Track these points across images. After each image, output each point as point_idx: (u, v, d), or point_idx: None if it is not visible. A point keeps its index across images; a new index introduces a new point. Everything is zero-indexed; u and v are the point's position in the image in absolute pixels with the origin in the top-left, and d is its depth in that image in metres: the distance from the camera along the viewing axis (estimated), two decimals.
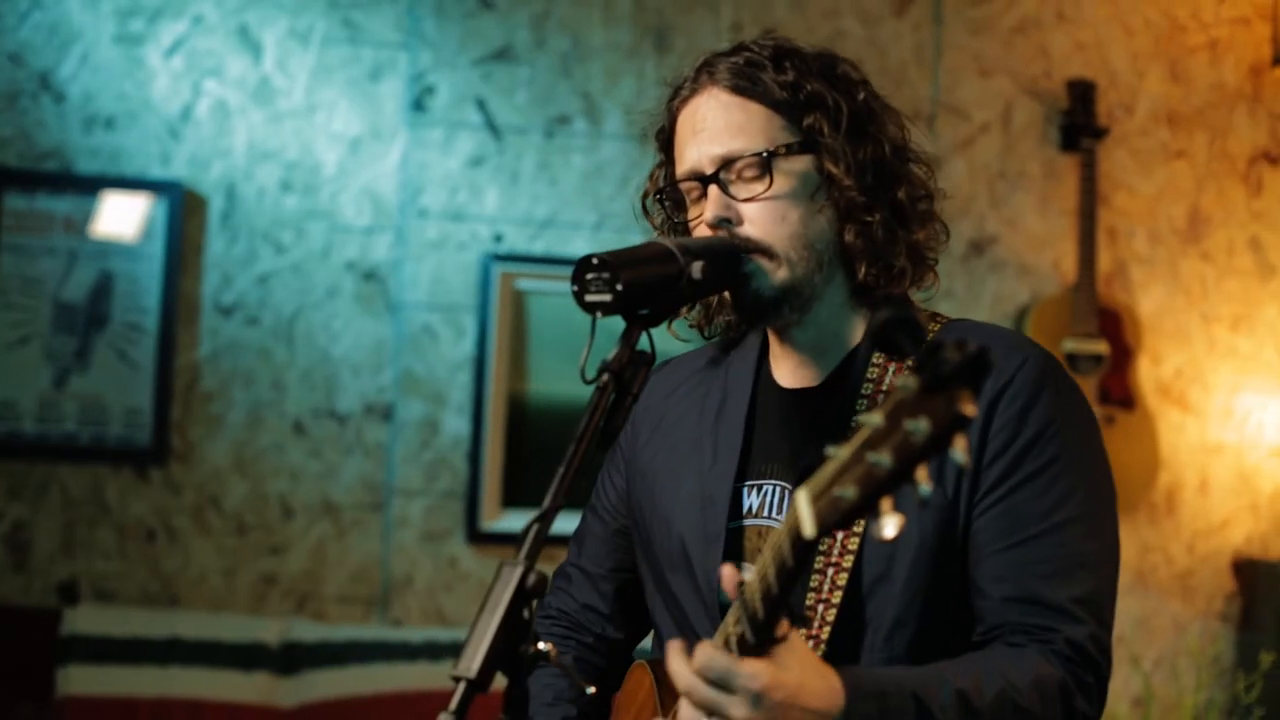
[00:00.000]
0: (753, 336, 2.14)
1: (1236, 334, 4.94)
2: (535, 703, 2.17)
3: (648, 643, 2.26)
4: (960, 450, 1.35)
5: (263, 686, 4.22)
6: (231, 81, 4.52)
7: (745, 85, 1.98)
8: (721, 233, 1.95)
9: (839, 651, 1.85)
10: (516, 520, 4.58)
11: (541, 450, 4.62)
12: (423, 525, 4.58)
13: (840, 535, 1.88)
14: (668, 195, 2.09)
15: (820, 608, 1.88)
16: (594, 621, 2.26)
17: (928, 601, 1.88)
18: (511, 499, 4.61)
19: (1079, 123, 4.80)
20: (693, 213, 2.03)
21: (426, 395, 4.58)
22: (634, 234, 4.44)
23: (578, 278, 1.80)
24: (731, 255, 1.91)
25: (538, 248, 4.63)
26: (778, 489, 2.02)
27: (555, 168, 4.65)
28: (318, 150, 4.55)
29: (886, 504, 1.41)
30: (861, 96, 2.01)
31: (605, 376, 1.76)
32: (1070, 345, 4.69)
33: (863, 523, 1.86)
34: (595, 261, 1.79)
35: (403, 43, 4.59)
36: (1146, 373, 4.83)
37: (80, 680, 4.16)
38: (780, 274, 1.95)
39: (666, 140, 2.10)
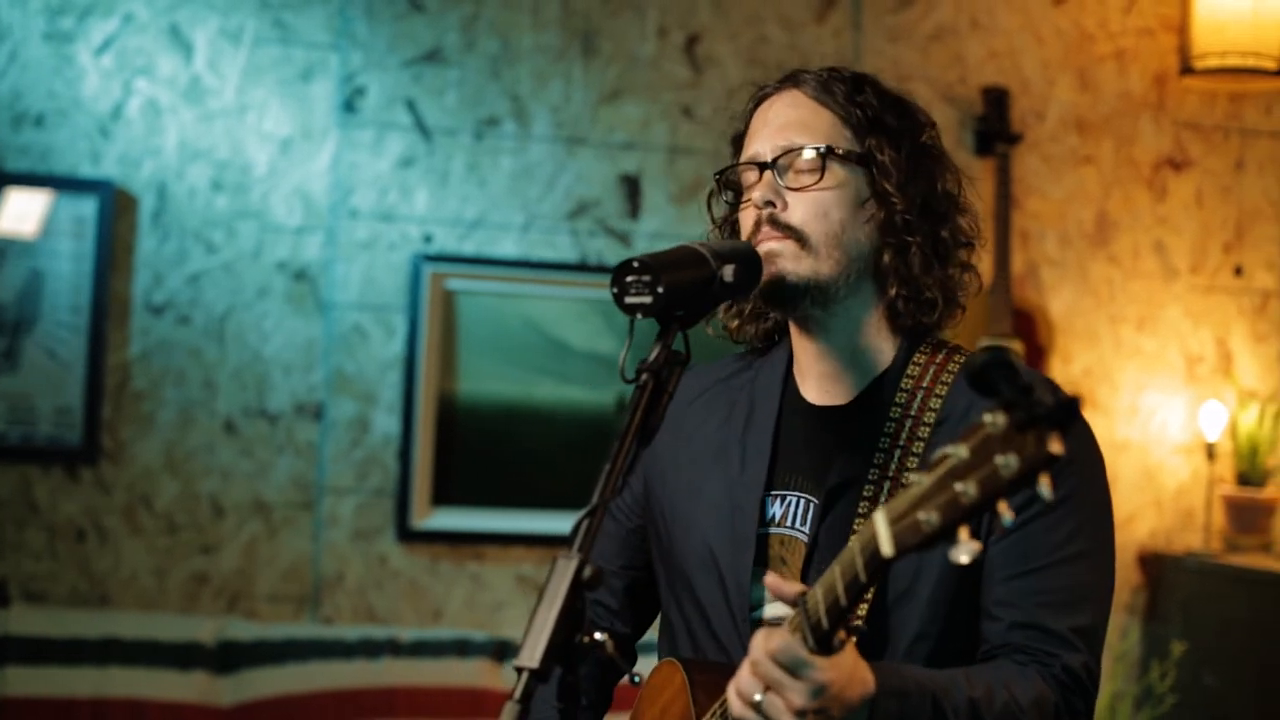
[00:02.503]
0: (779, 352, 2.31)
1: (1142, 334, 5.29)
2: (540, 700, 2.28)
3: (651, 636, 2.42)
4: (1045, 486, 1.51)
5: (201, 686, 4.38)
6: (162, 80, 4.68)
7: (822, 93, 2.18)
8: (764, 213, 2.13)
9: (863, 658, 2.02)
10: (446, 519, 4.79)
11: (471, 449, 4.83)
12: (353, 524, 4.77)
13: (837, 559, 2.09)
14: (726, 180, 2.28)
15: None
16: (602, 616, 2.41)
17: (947, 618, 2.07)
18: (441, 497, 4.81)
19: (993, 128, 5.12)
20: (745, 198, 2.22)
21: (357, 394, 4.78)
22: (562, 234, 4.73)
23: (617, 280, 1.94)
24: (757, 261, 2.09)
25: (467, 248, 4.84)
26: (801, 500, 2.17)
27: (484, 169, 4.87)
28: (249, 150, 4.72)
29: (964, 532, 1.56)
30: (925, 138, 2.21)
31: (644, 376, 1.91)
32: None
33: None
34: (636, 265, 1.93)
35: (333, 44, 4.78)
36: (1058, 372, 5.16)
37: (18, 682, 4.29)
38: (806, 264, 2.12)
39: (739, 139, 2.28)
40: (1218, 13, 4.98)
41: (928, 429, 2.11)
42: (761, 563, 2.17)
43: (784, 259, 2.13)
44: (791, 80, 2.23)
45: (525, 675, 1.67)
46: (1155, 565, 5.21)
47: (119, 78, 4.66)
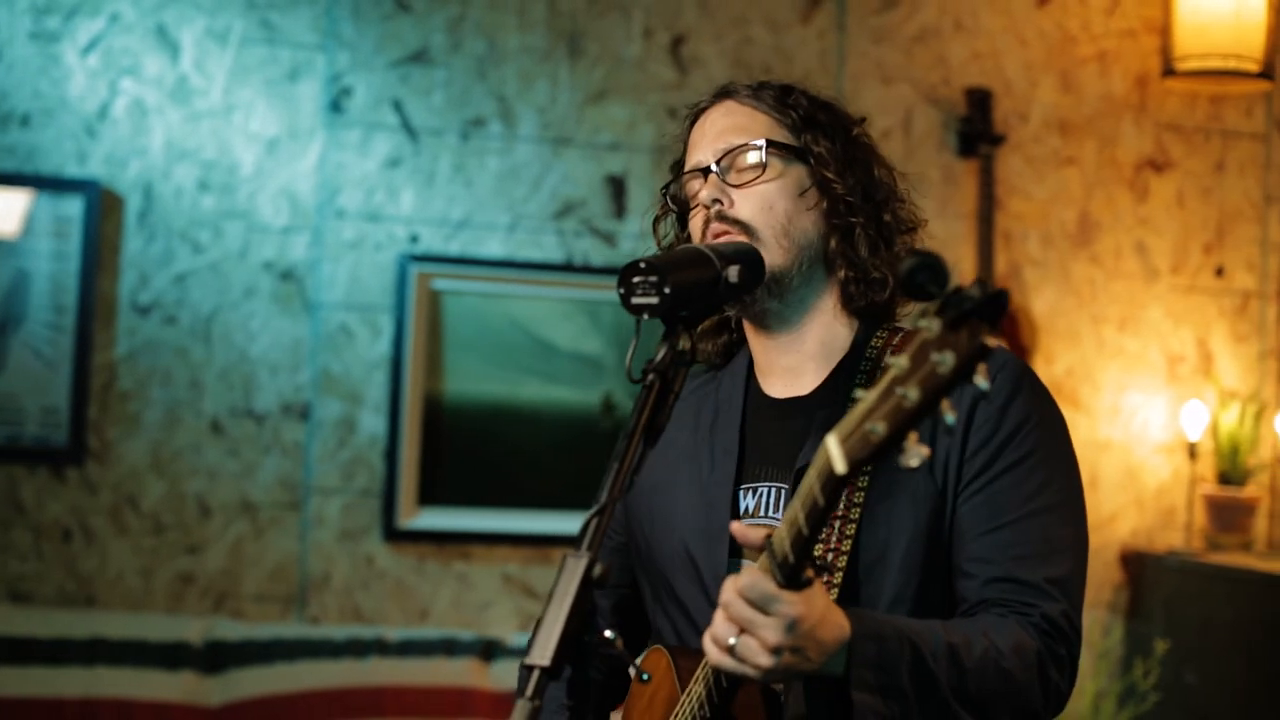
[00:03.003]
0: (739, 359, 2.39)
1: (1124, 334, 5.35)
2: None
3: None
4: (982, 378, 1.55)
5: (188, 685, 4.41)
6: (149, 80, 4.70)
7: (753, 99, 2.29)
8: (712, 211, 2.21)
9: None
10: (433, 518, 4.83)
11: (457, 449, 4.87)
12: (340, 524, 4.81)
13: (838, 524, 2.12)
14: (673, 195, 2.35)
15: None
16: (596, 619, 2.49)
17: (921, 583, 2.12)
18: (428, 497, 4.85)
19: (976, 130, 5.17)
20: (694, 204, 2.29)
21: (343, 394, 4.81)
22: (548, 234, 4.77)
23: (624, 281, 1.98)
24: (760, 261, 2.15)
25: (453, 248, 4.87)
26: (774, 490, 2.23)
27: (470, 169, 4.90)
28: (235, 150, 4.75)
29: (913, 438, 1.61)
30: (856, 133, 2.32)
31: (651, 376, 1.95)
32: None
33: (858, 513, 2.12)
34: (643, 266, 1.96)
35: (320, 44, 4.81)
36: (1041, 372, 5.17)
37: (6, 682, 4.31)
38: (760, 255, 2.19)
39: (679, 163, 2.37)
40: (1199, 15, 5.05)
41: None
42: (737, 554, 2.21)
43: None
44: (722, 93, 2.33)
45: (537, 673, 1.69)
46: (1137, 564, 5.27)
47: (105, 77, 4.68)
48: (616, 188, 5.01)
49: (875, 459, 1.65)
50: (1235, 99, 5.45)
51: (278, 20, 4.79)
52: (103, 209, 4.64)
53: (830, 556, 2.12)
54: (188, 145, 4.72)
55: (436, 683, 4.57)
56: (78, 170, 4.65)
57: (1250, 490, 5.27)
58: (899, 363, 1.60)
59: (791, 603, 1.82)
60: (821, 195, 2.25)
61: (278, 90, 4.79)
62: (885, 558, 2.13)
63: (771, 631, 1.83)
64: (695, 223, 2.28)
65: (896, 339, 2.24)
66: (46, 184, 4.61)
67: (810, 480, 1.76)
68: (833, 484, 1.72)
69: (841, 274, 2.25)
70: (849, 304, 2.27)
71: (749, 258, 2.12)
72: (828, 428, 2.14)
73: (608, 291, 4.95)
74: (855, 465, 1.67)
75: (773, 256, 2.20)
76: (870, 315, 2.28)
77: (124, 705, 4.35)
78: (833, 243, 2.25)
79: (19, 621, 4.43)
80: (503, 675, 4.64)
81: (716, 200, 2.22)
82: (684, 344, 1.99)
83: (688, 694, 2.09)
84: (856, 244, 2.25)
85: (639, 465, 1.89)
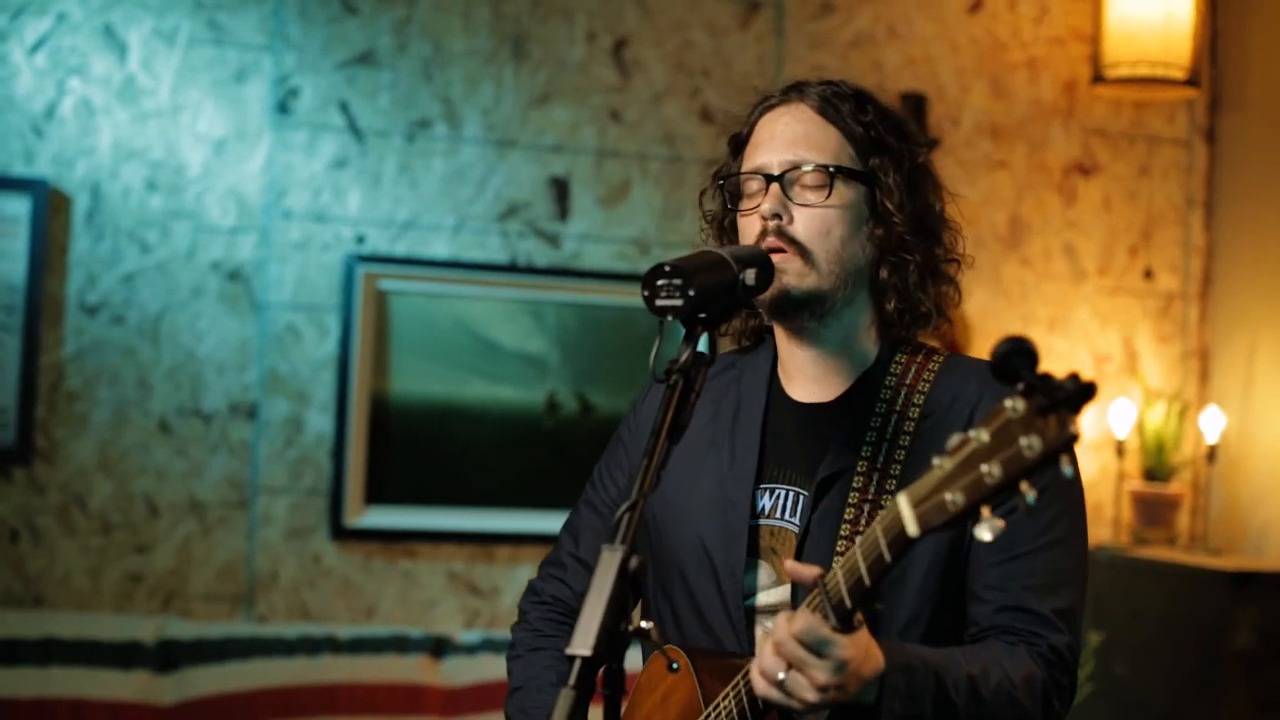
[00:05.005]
0: (763, 351, 2.47)
1: (1053, 335, 5.58)
2: (538, 683, 2.49)
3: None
4: (1067, 466, 1.66)
5: (142, 685, 4.51)
6: (96, 80, 4.79)
7: (829, 110, 2.33)
8: (771, 224, 2.28)
9: None
10: (379, 517, 4.96)
11: (403, 448, 5.01)
12: (287, 522, 4.92)
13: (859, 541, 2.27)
14: (728, 186, 2.40)
15: None
16: None
17: (937, 604, 2.25)
18: (374, 496, 4.98)
19: None
20: (745, 204, 2.35)
21: (291, 394, 4.92)
22: (493, 235, 4.91)
23: (648, 284, 2.07)
24: (770, 265, 2.25)
25: (399, 249, 5.00)
26: (790, 493, 2.33)
27: (416, 171, 5.04)
28: (183, 150, 4.85)
29: (986, 510, 1.72)
30: (922, 159, 2.37)
31: (675, 377, 2.04)
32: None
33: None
34: (667, 269, 2.05)
35: (267, 45, 4.92)
36: None
37: None
38: (810, 279, 2.27)
39: (740, 143, 2.42)
40: (1129, 23, 5.28)
41: (913, 423, 2.30)
42: (753, 553, 2.32)
43: (788, 274, 2.27)
44: (797, 93, 2.36)
45: (578, 662, 1.78)
46: None
47: (52, 77, 4.76)
48: (560, 189, 5.16)
49: (948, 528, 1.78)
50: (1158, 105, 5.70)
51: (225, 21, 4.89)
52: (50, 208, 4.73)
53: None
54: (135, 145, 4.81)
55: (388, 680, 4.70)
56: (25, 169, 4.73)
57: (1174, 486, 5.52)
58: (980, 438, 1.71)
59: (844, 647, 1.95)
60: (879, 224, 2.32)
61: (225, 91, 4.89)
62: (904, 580, 2.25)
63: (822, 672, 1.97)
64: (748, 224, 2.34)
65: (919, 357, 2.37)
66: None
67: (876, 535, 1.87)
68: (902, 544, 1.83)
69: (890, 305, 2.34)
70: (885, 329, 2.37)
71: (761, 261, 2.22)
72: (849, 438, 2.31)
73: (552, 292, 5.11)
74: (927, 531, 1.79)
75: (820, 280, 2.28)
76: (898, 335, 2.40)
77: (77, 705, 4.44)
78: (883, 272, 2.33)
79: None
80: (453, 672, 4.77)
81: (777, 215, 2.28)
82: (704, 345, 2.10)
83: (715, 708, 2.20)
84: (908, 277, 2.33)
85: (665, 462, 2.00)
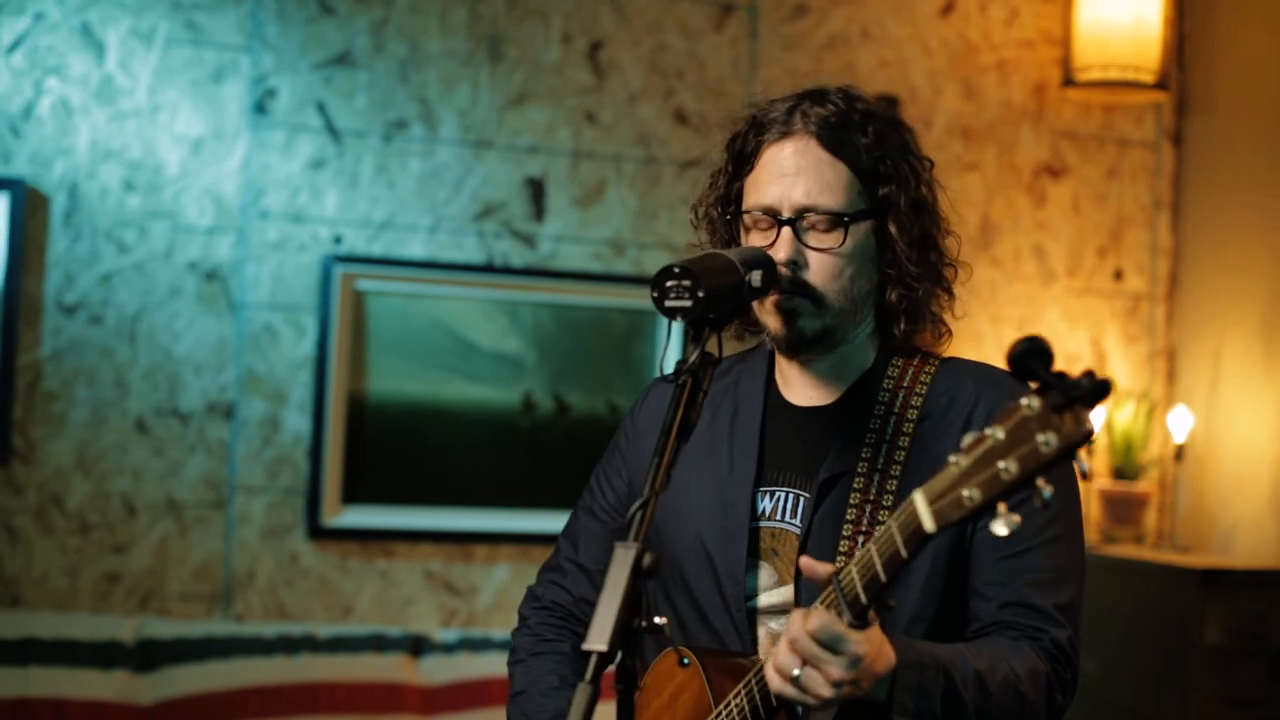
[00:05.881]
0: (759, 356, 2.52)
1: (1022, 334, 5.65)
2: (541, 686, 2.54)
3: None
4: (1085, 461, 1.77)
5: (122, 684, 4.55)
6: (74, 80, 4.82)
7: (836, 144, 2.33)
8: (785, 273, 2.31)
9: None
10: (357, 516, 5.01)
11: (380, 447, 5.06)
12: (264, 522, 4.96)
13: (861, 540, 2.30)
14: (734, 211, 2.44)
15: None
16: (588, 612, 2.50)
17: (940, 600, 2.31)
18: (351, 495, 5.02)
19: None
20: (753, 239, 2.38)
21: (268, 394, 4.97)
22: (469, 236, 4.96)
23: (658, 285, 2.12)
24: (774, 265, 2.30)
25: (376, 249, 5.05)
26: (790, 495, 2.39)
27: (393, 171, 5.08)
28: (160, 150, 4.88)
29: (1003, 506, 1.77)
30: (927, 176, 2.42)
31: (684, 377, 2.09)
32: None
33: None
34: (677, 271, 2.09)
35: (245, 45, 4.96)
36: None
37: None
38: (824, 320, 2.33)
39: (740, 159, 2.42)
40: (1099, 27, 5.38)
41: (911, 425, 2.36)
42: (753, 555, 2.38)
43: (802, 318, 2.33)
44: (802, 120, 2.36)
45: (595, 657, 1.83)
46: None
47: (30, 77, 4.79)
48: (535, 190, 5.21)
49: (964, 523, 1.83)
50: (1126, 108, 5.79)
51: (203, 21, 4.93)
52: (28, 208, 4.75)
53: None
54: (113, 145, 4.85)
55: (367, 678, 4.75)
56: (2, 169, 4.76)
57: (1142, 485, 5.61)
58: (995, 435, 1.77)
59: (858, 642, 2.01)
60: (887, 251, 2.36)
61: (203, 91, 4.93)
62: (909, 579, 2.30)
63: (837, 668, 2.02)
64: (754, 241, 2.37)
65: (915, 360, 2.42)
66: None
67: (891, 531, 1.93)
68: (918, 539, 1.89)
69: (899, 328, 2.39)
70: (885, 340, 2.43)
71: (765, 263, 2.27)
72: (848, 440, 2.37)
73: (528, 292, 5.16)
74: (944, 527, 1.85)
75: (833, 319, 2.34)
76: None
77: (58, 705, 4.48)
78: (891, 296, 2.37)
79: None
80: (431, 671, 4.83)
81: (794, 262, 2.31)
82: (710, 346, 2.15)
83: (726, 705, 2.25)
84: (917, 300, 2.38)
85: (674, 460, 2.05)
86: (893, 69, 5.59)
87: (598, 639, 1.84)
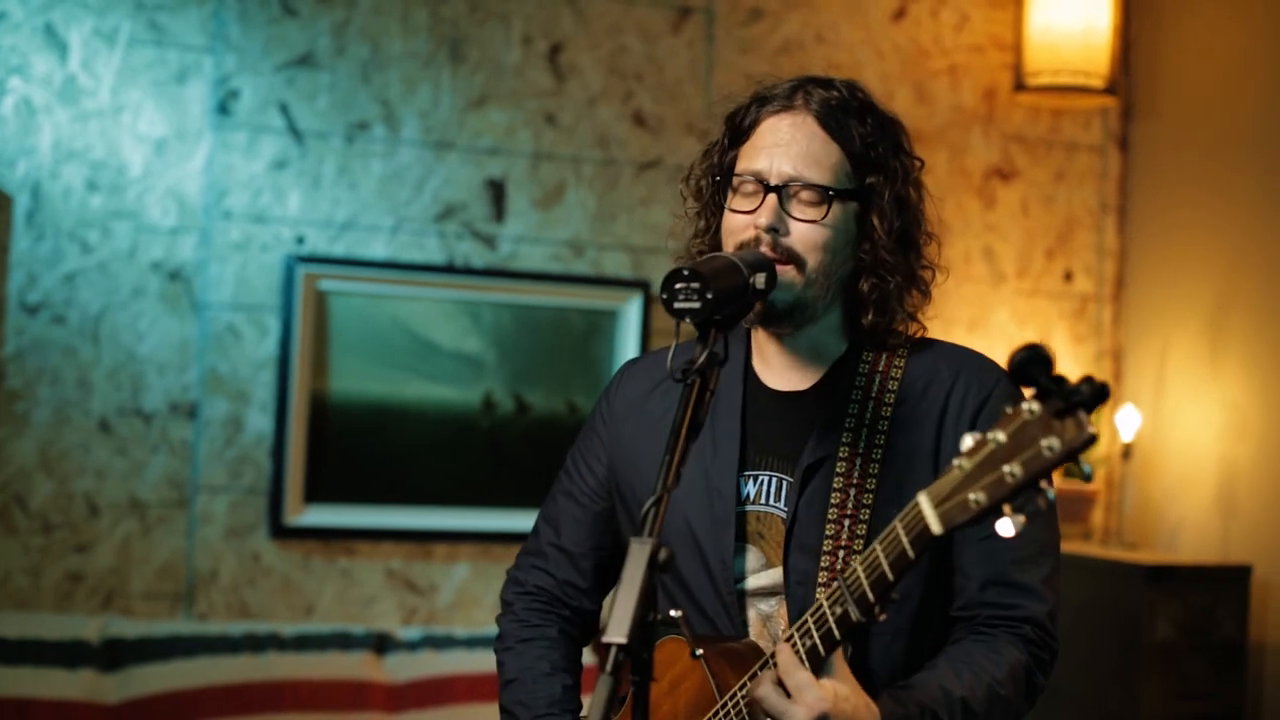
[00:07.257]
0: (736, 341, 2.59)
1: (973, 336, 5.80)
2: (533, 673, 2.62)
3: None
4: (1087, 465, 1.87)
5: (88, 684, 4.58)
6: (37, 80, 4.86)
7: (832, 125, 2.42)
8: (766, 236, 2.39)
9: None
10: (319, 515, 5.07)
11: (342, 447, 5.12)
12: (227, 521, 5.02)
13: (848, 524, 2.39)
14: (724, 178, 2.50)
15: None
16: (572, 595, 2.70)
17: (927, 582, 2.41)
18: (313, 495, 5.08)
19: None
20: (737, 203, 2.45)
21: (230, 394, 5.02)
22: (430, 237, 5.02)
23: (667, 287, 2.19)
24: (774, 270, 2.38)
25: (339, 249, 5.11)
26: (773, 479, 2.46)
27: (355, 172, 5.15)
28: (124, 150, 4.93)
29: (1008, 508, 1.85)
30: (915, 174, 2.50)
31: (693, 377, 2.15)
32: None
33: (868, 514, 2.39)
34: (686, 273, 2.16)
35: (208, 46, 5.01)
36: None
37: None
38: (799, 289, 2.39)
39: (738, 131, 2.50)
40: (1050, 33, 5.52)
41: (889, 409, 2.45)
42: (740, 538, 2.45)
43: (779, 285, 2.37)
44: (803, 98, 2.44)
45: (615, 649, 1.87)
46: None
47: None
48: (496, 191, 5.29)
49: (973, 524, 1.91)
50: (1074, 113, 5.94)
51: (166, 22, 4.98)
52: None
53: (842, 554, 2.39)
54: (76, 145, 4.88)
55: (332, 677, 4.81)
56: None
57: (1090, 483, 5.75)
58: (997, 439, 1.85)
59: (821, 696, 2.14)
60: (866, 240, 2.43)
61: (166, 92, 4.98)
62: None
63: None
64: (737, 221, 2.45)
65: (887, 344, 2.50)
66: None
67: (897, 532, 2.03)
68: (925, 541, 1.98)
69: (868, 318, 2.46)
70: (854, 329, 2.51)
71: (767, 266, 2.36)
72: (828, 426, 2.47)
73: (488, 293, 5.24)
74: (951, 529, 1.93)
75: (808, 289, 2.41)
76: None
77: (23, 704, 4.51)
78: (865, 286, 2.44)
79: None
80: (396, 668, 4.89)
81: (774, 228, 2.38)
82: (717, 346, 2.23)
83: (732, 695, 2.34)
84: (888, 293, 2.44)
85: (684, 458, 2.12)
86: (845, 73, 5.56)
87: (618, 632, 1.88)
